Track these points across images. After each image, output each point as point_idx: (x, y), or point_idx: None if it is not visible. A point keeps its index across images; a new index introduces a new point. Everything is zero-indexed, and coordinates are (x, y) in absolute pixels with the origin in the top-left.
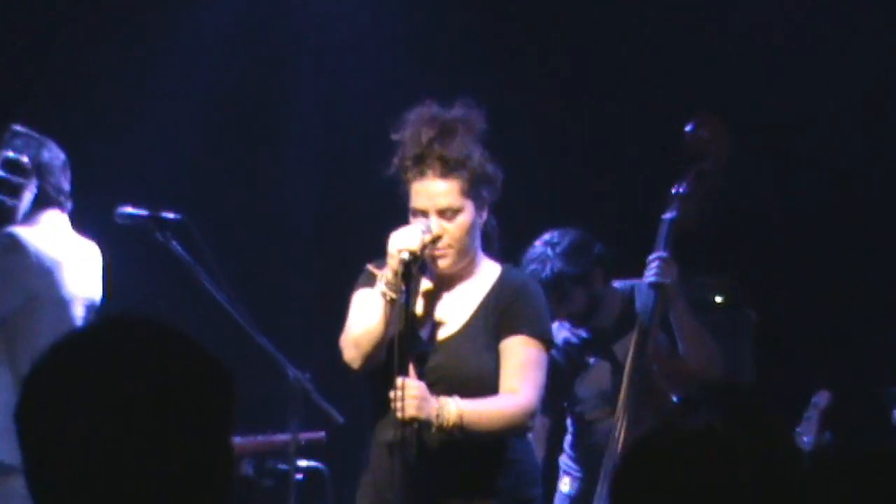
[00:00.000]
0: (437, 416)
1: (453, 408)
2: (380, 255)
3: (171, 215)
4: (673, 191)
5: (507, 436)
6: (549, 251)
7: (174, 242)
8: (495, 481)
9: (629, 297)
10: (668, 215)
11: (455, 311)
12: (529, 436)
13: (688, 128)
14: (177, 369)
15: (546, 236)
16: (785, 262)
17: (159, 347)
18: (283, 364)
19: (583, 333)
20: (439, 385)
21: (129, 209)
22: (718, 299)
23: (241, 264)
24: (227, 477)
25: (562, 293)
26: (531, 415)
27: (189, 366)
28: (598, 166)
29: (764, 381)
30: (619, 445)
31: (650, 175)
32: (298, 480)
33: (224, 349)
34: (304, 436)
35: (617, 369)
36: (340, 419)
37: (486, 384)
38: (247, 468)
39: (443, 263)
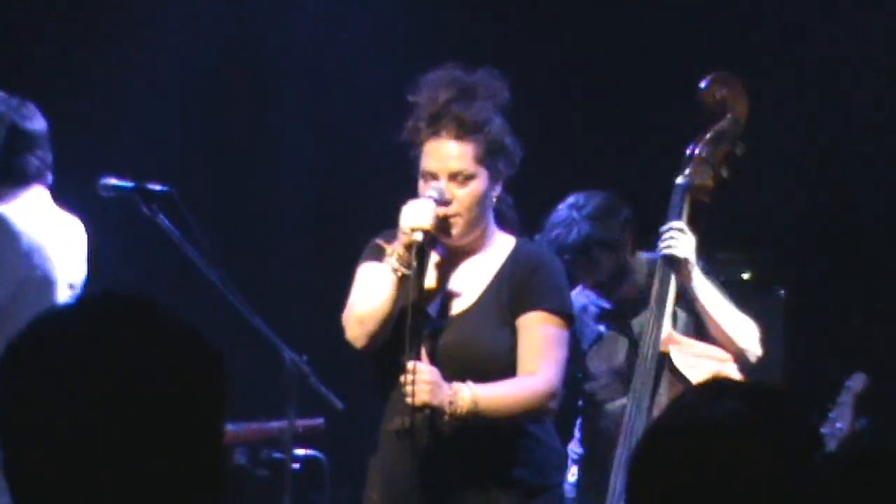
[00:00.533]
0: (451, 402)
1: (467, 394)
2: (385, 228)
3: (158, 187)
4: (686, 154)
5: (526, 421)
6: (576, 214)
7: (161, 216)
8: (513, 470)
9: (655, 266)
10: (681, 180)
11: (467, 285)
12: (548, 427)
13: (702, 84)
14: (163, 349)
15: (570, 199)
16: (816, 235)
17: (144, 326)
18: (279, 346)
19: (604, 304)
20: (451, 364)
21: (112, 180)
22: (745, 276)
23: (233, 240)
24: (220, 467)
25: (589, 260)
26: (552, 397)
27: (177, 346)
28: (607, 130)
29: (794, 363)
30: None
31: (663, 138)
32: (295, 470)
33: (215, 330)
34: (301, 423)
35: (631, 346)
36: (340, 405)
37: (500, 363)
38: (240, 457)
39: (454, 232)
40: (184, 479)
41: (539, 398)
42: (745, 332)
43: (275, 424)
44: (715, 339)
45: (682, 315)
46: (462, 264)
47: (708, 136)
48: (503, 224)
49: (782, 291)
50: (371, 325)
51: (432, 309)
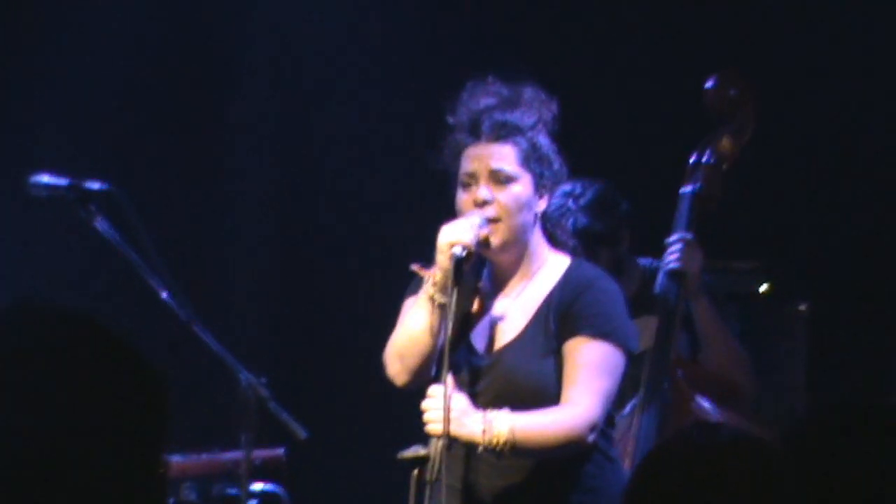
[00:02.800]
0: (485, 431)
1: (505, 423)
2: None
3: (96, 185)
4: (692, 160)
5: (573, 456)
6: (571, 203)
7: (100, 218)
8: None
9: (650, 274)
10: (687, 189)
11: (514, 315)
12: (612, 453)
13: (708, 84)
14: (95, 368)
15: (566, 187)
16: (839, 242)
17: (73, 342)
18: (234, 367)
19: None
20: (497, 403)
21: (45, 177)
22: (762, 288)
23: (181, 245)
24: (156, 501)
25: (585, 254)
26: (591, 430)
27: (111, 364)
28: (602, 133)
29: (817, 384)
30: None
31: (662, 142)
32: None
33: (161, 348)
34: (259, 454)
35: None
36: (303, 434)
37: (548, 398)
38: (189, 493)
39: (494, 241)
40: None
41: (576, 429)
42: (743, 365)
43: (229, 456)
44: (708, 361)
45: (681, 336)
46: (510, 292)
47: (715, 140)
48: (558, 247)
49: (803, 305)
50: (411, 360)
51: (477, 341)
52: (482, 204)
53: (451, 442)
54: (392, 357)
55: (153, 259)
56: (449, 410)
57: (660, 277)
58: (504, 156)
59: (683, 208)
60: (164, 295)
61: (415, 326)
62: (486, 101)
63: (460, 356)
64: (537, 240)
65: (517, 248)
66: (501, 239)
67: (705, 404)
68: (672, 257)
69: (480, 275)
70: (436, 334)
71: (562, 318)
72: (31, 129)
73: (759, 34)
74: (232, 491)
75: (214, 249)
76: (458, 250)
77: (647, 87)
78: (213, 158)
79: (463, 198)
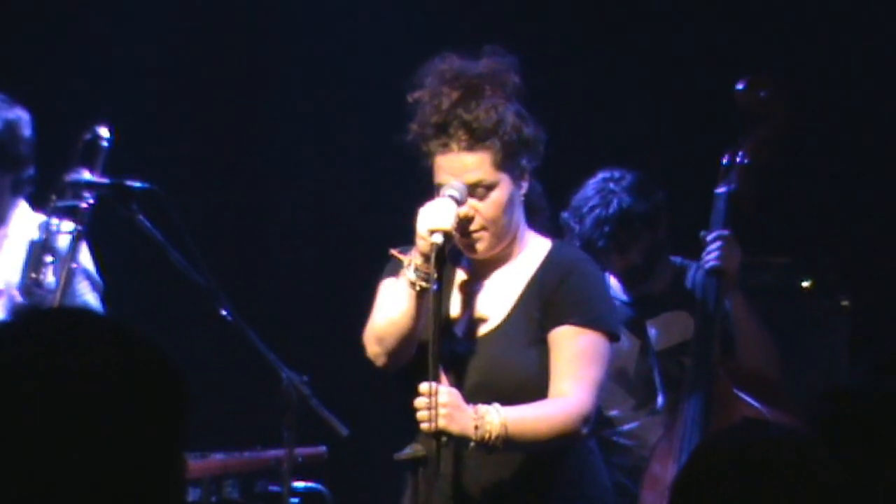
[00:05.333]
0: (477, 427)
1: (496, 418)
2: (400, 237)
3: (138, 184)
4: (725, 161)
5: (558, 448)
6: (613, 185)
7: (142, 217)
8: None
9: (681, 270)
10: (722, 189)
11: (496, 300)
12: (591, 443)
13: (739, 86)
14: (108, 364)
15: (603, 174)
16: (884, 236)
17: (88, 344)
18: (277, 365)
19: (623, 297)
20: (478, 390)
21: (85, 174)
22: (805, 284)
23: (224, 244)
24: (175, 500)
25: (629, 235)
26: (584, 422)
27: (128, 364)
28: (632, 133)
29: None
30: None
31: (691, 145)
32: None
33: (203, 346)
34: (301, 451)
35: (644, 353)
36: (345, 431)
37: (531, 388)
38: (231, 491)
39: (479, 247)
40: None
41: (570, 422)
42: (776, 362)
43: (271, 453)
44: (743, 358)
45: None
46: (491, 276)
47: (747, 141)
48: (532, 216)
49: (846, 301)
50: (390, 343)
51: (458, 327)
52: (467, 221)
53: (446, 438)
54: (371, 340)
55: (195, 258)
56: (445, 406)
57: (698, 276)
58: (479, 165)
59: (720, 207)
60: (207, 293)
61: (394, 310)
62: (449, 97)
63: (440, 344)
64: (520, 223)
65: (503, 244)
66: (488, 246)
67: (749, 400)
68: (711, 255)
69: (461, 257)
70: (416, 318)
71: (546, 304)
72: (70, 127)
73: (798, 32)
74: (274, 488)
75: (256, 247)
76: (438, 238)
77: (681, 87)
78: (253, 157)
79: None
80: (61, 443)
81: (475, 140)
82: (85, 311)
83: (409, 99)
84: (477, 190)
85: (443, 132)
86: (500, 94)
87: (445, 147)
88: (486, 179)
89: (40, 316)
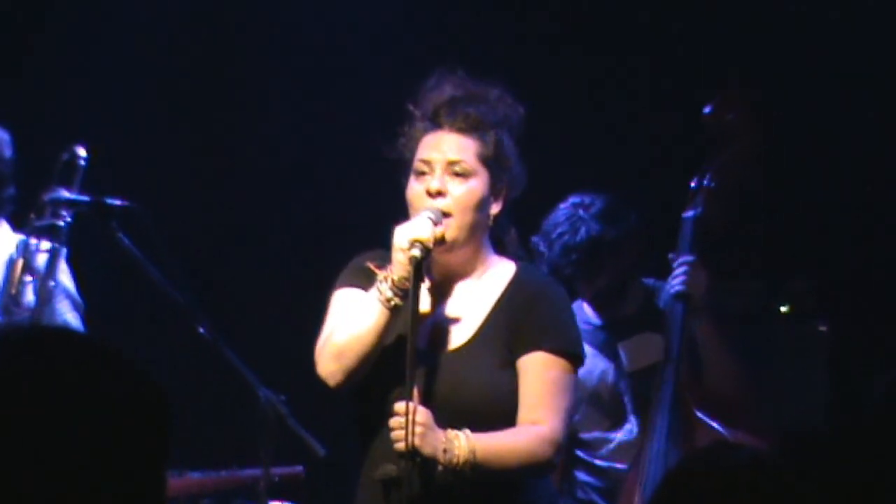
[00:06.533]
0: (446, 451)
1: (464, 443)
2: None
3: (118, 201)
4: (693, 185)
5: (526, 475)
6: (582, 212)
7: (121, 234)
8: None
9: (653, 291)
10: (689, 213)
11: (461, 319)
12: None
13: (706, 109)
14: (92, 389)
15: (574, 198)
16: (862, 261)
17: (68, 360)
18: (254, 384)
19: (595, 320)
20: (445, 408)
21: (65, 193)
22: (783, 309)
23: (203, 262)
24: None
25: (596, 263)
26: (556, 450)
27: (109, 385)
28: (603, 155)
29: (839, 409)
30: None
31: (659, 166)
32: None
33: (182, 365)
34: (278, 471)
35: (618, 375)
36: (322, 451)
37: (500, 408)
38: None
39: (445, 234)
40: None
41: (542, 451)
42: (743, 384)
43: (248, 473)
44: (711, 382)
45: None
46: (455, 291)
47: (715, 164)
48: (501, 248)
49: (824, 327)
50: (350, 361)
51: (421, 342)
52: (435, 194)
53: (420, 458)
54: (327, 356)
55: (173, 275)
56: (419, 425)
57: (665, 299)
58: (464, 148)
59: (686, 232)
60: (185, 311)
61: (360, 326)
62: (452, 91)
63: (415, 363)
64: (486, 243)
65: (467, 248)
66: (452, 235)
67: (712, 423)
68: (677, 280)
69: (424, 274)
70: (382, 336)
71: (515, 327)
72: (47, 147)
73: (771, 49)
74: None
75: (235, 265)
76: (417, 252)
77: (653, 108)
78: (232, 175)
79: (415, 187)
80: (39, 463)
81: (469, 128)
82: (63, 330)
83: (409, 106)
84: (455, 168)
85: (439, 114)
86: (502, 112)
87: (437, 126)
88: (467, 163)
89: (17, 335)
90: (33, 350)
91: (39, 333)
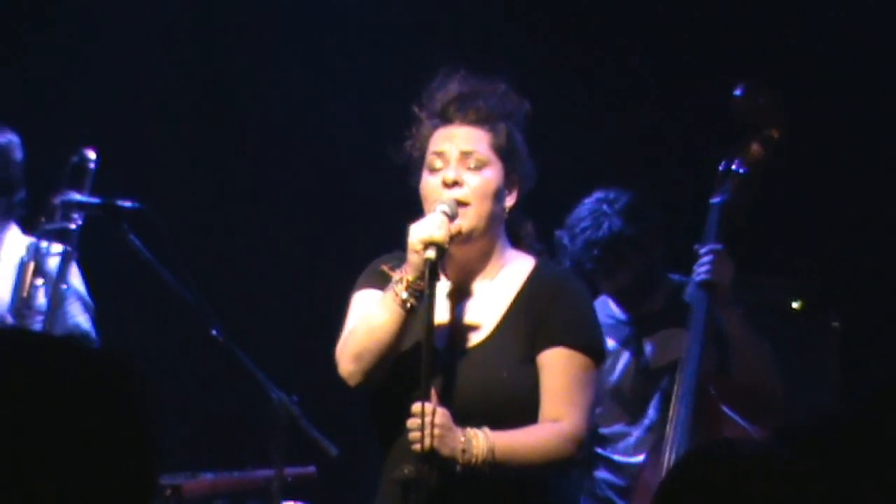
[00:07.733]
0: (464, 451)
1: (483, 442)
2: (389, 248)
3: (128, 203)
4: (721, 169)
5: (549, 472)
6: (606, 207)
7: (132, 236)
8: None
9: (679, 287)
10: (717, 199)
11: (480, 314)
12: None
13: (737, 92)
14: (76, 394)
15: (598, 193)
16: (875, 258)
17: (51, 366)
18: (267, 385)
19: (621, 315)
20: (465, 406)
21: (74, 196)
22: (795, 305)
23: (213, 263)
24: None
25: (617, 259)
26: (578, 447)
27: (93, 389)
28: (625, 144)
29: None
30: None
31: (689, 152)
32: None
33: (194, 367)
34: (291, 471)
35: (641, 370)
36: (334, 451)
37: (520, 405)
38: None
39: (462, 224)
40: None
41: (563, 448)
42: (775, 374)
43: (261, 473)
44: (739, 374)
45: (710, 350)
46: (473, 288)
47: (744, 149)
48: (521, 248)
49: (836, 323)
50: (369, 362)
51: (439, 341)
52: (451, 184)
53: (435, 460)
54: (347, 357)
55: (185, 277)
56: (437, 427)
57: (690, 288)
58: (477, 139)
59: (713, 219)
60: (196, 312)
61: (378, 327)
62: (459, 88)
63: (431, 363)
64: (503, 237)
65: (484, 240)
66: (470, 225)
67: (736, 418)
68: (703, 269)
69: (442, 271)
70: (398, 336)
71: (536, 322)
72: (56, 150)
73: (798, 41)
74: None
75: (246, 267)
76: (431, 253)
77: (675, 97)
78: (243, 176)
79: (429, 180)
80: (33, 468)
81: (480, 120)
82: (54, 337)
83: (415, 109)
84: (470, 159)
85: (448, 110)
86: (510, 103)
87: (448, 122)
88: (481, 153)
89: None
90: (26, 357)
91: (35, 341)
